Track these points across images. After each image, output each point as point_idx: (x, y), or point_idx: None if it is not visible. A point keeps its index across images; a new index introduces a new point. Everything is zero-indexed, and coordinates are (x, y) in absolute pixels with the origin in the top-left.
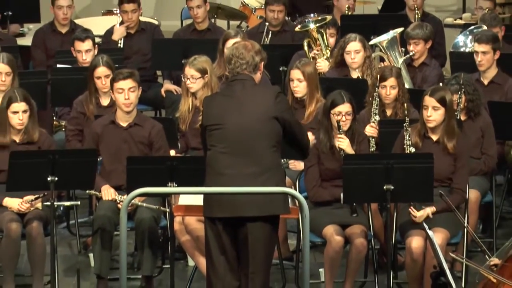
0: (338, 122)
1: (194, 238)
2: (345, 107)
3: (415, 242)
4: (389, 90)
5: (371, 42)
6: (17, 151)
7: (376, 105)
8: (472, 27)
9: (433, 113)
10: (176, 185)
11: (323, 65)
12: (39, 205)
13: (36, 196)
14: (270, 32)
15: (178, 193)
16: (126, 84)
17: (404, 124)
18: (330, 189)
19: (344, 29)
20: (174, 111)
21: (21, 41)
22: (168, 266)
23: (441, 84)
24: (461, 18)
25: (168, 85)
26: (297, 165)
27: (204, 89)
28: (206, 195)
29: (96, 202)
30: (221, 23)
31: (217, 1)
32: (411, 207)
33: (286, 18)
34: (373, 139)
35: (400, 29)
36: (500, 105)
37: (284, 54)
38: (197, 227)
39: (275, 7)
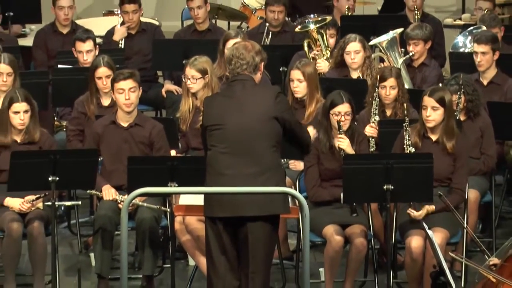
0: (338, 122)
1: (194, 238)
2: (344, 107)
3: (415, 241)
4: (388, 90)
5: (371, 43)
6: (18, 151)
7: (376, 105)
8: (472, 27)
9: (432, 113)
10: (176, 185)
11: (323, 65)
12: (40, 205)
13: (37, 196)
14: (270, 32)
15: (179, 193)
16: (127, 84)
17: (404, 124)
18: (330, 189)
19: (344, 30)
20: (175, 111)
21: (22, 42)
22: (169, 265)
23: (440, 84)
24: (460, 19)
25: (168, 86)
26: (297, 165)
27: (204, 90)
28: (207, 195)
29: (97, 202)
30: (222, 23)
31: (217, 2)
32: (410, 208)
33: (286, 18)
34: (373, 139)
35: (399, 30)
36: (500, 105)
37: (284, 55)
38: (197, 227)
39: (275, 7)
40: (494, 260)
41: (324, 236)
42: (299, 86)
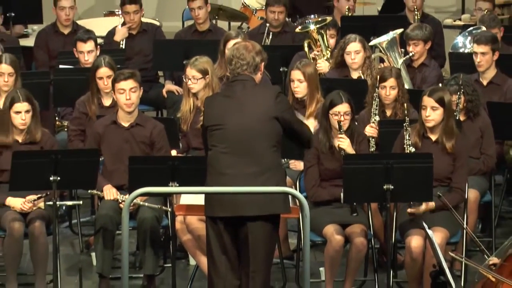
0: (339, 122)
1: (195, 238)
2: (343, 107)
3: (415, 241)
4: (388, 90)
5: (371, 43)
6: (19, 151)
7: (376, 106)
8: (471, 28)
9: (432, 113)
10: (177, 184)
11: (324, 65)
12: (41, 204)
13: (39, 195)
14: (270, 33)
15: (180, 193)
16: (127, 84)
17: (404, 124)
18: (329, 189)
19: (344, 30)
20: (176, 111)
21: (23, 42)
22: (170, 265)
23: (440, 84)
24: (460, 19)
25: (169, 86)
26: (298, 165)
27: (205, 90)
28: (207, 195)
29: (98, 202)
30: (222, 24)
31: (218, 2)
32: (409, 208)
33: (287, 19)
34: (373, 139)
35: (399, 30)
36: (499, 105)
37: (285, 55)
38: (198, 227)
39: (276, 8)
40: (493, 260)
41: (324, 235)
42: (299, 86)
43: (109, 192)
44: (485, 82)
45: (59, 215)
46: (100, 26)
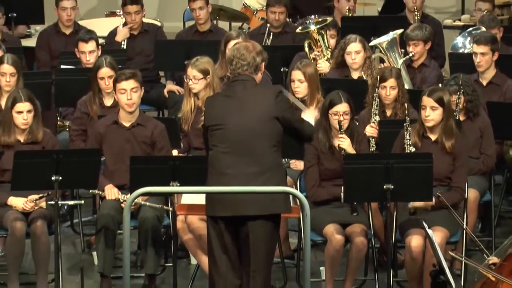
0: (339, 122)
1: (196, 237)
2: (342, 107)
3: (415, 241)
4: (389, 90)
5: (371, 43)
6: (21, 151)
7: (376, 106)
8: (471, 28)
9: (431, 113)
10: (178, 184)
11: (324, 66)
12: (43, 204)
13: (40, 195)
14: (271, 33)
15: (181, 193)
16: (129, 84)
17: (405, 124)
18: (329, 188)
19: (345, 31)
20: (177, 111)
21: (25, 42)
22: (171, 264)
23: (440, 85)
24: (460, 20)
25: (170, 86)
26: (298, 164)
27: (206, 90)
28: (208, 194)
29: (99, 201)
30: (223, 24)
31: (219, 3)
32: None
33: (287, 19)
34: (373, 139)
35: (399, 31)
36: (499, 105)
37: (285, 55)
38: (199, 226)
39: (276, 8)
40: (493, 259)
41: (325, 235)
42: (300, 87)
43: (111, 192)
44: (484, 82)
45: (60, 214)
46: (101, 26)
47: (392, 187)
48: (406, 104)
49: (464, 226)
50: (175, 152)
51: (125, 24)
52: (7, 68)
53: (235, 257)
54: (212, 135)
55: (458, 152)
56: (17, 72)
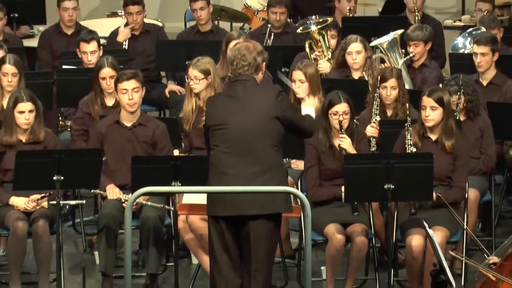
0: (340, 122)
1: (197, 237)
2: (342, 107)
3: (415, 240)
4: (389, 90)
5: (372, 44)
6: (23, 151)
7: (377, 106)
8: (471, 29)
9: (431, 113)
10: (180, 184)
11: (325, 66)
12: (45, 204)
13: (42, 195)
14: (272, 33)
15: (182, 192)
16: (130, 84)
17: (406, 124)
18: (329, 188)
19: (345, 31)
20: (178, 111)
21: (27, 43)
22: (172, 264)
23: (440, 85)
24: (460, 20)
25: (172, 86)
26: (299, 164)
27: (207, 90)
28: (210, 194)
29: (101, 201)
30: (224, 25)
31: (220, 3)
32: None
33: (288, 20)
34: (374, 139)
35: (400, 31)
36: (499, 105)
37: (286, 56)
38: (200, 226)
39: (277, 9)
40: (493, 259)
41: (326, 234)
42: (301, 87)
43: (112, 192)
44: (485, 83)
45: (62, 214)
46: (103, 26)
47: (393, 187)
48: (407, 105)
49: (465, 226)
50: (176, 152)
51: (126, 25)
52: (9, 68)
53: (236, 257)
54: (214, 135)
55: (458, 152)
56: (19, 72)
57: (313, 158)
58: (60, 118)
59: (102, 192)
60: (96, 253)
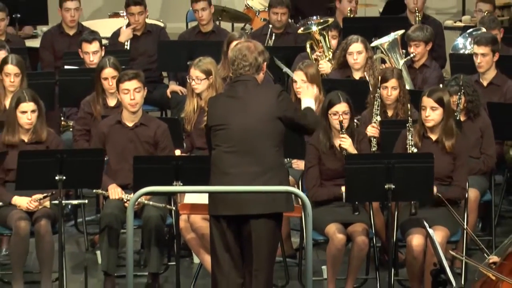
0: (340, 122)
1: (199, 236)
2: (342, 107)
3: (416, 240)
4: (390, 91)
5: (373, 44)
6: (25, 151)
7: (378, 106)
8: (472, 29)
9: (431, 113)
10: (181, 184)
11: (326, 66)
12: (47, 203)
13: (45, 194)
14: (273, 34)
15: (184, 192)
16: (132, 84)
17: (407, 125)
18: (330, 188)
19: (346, 31)
20: (180, 111)
21: (29, 43)
22: (174, 263)
23: (441, 85)
24: (460, 21)
25: (173, 86)
26: (300, 164)
27: (209, 90)
28: (211, 194)
29: (103, 201)
30: (226, 25)
31: (221, 4)
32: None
33: (289, 20)
34: (375, 139)
35: (401, 31)
36: (499, 106)
37: (287, 56)
38: (202, 225)
39: (279, 9)
40: (493, 258)
41: (327, 234)
42: (302, 87)
43: (114, 192)
44: (485, 83)
45: (64, 214)
46: (105, 27)
47: (393, 186)
48: (408, 105)
49: (465, 226)
50: (178, 152)
51: (128, 25)
52: (12, 68)
53: (238, 256)
54: (215, 135)
55: (458, 151)
56: (21, 72)
57: (313, 158)
58: (62, 118)
59: (104, 192)
60: (98, 252)
